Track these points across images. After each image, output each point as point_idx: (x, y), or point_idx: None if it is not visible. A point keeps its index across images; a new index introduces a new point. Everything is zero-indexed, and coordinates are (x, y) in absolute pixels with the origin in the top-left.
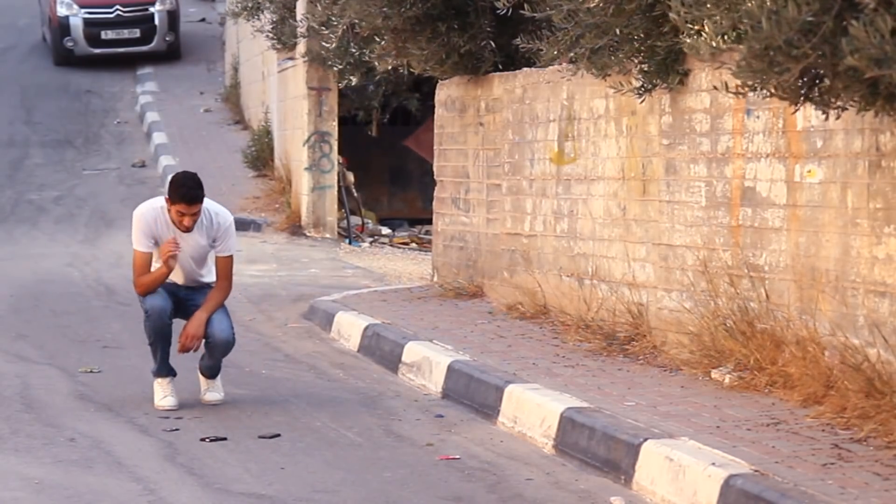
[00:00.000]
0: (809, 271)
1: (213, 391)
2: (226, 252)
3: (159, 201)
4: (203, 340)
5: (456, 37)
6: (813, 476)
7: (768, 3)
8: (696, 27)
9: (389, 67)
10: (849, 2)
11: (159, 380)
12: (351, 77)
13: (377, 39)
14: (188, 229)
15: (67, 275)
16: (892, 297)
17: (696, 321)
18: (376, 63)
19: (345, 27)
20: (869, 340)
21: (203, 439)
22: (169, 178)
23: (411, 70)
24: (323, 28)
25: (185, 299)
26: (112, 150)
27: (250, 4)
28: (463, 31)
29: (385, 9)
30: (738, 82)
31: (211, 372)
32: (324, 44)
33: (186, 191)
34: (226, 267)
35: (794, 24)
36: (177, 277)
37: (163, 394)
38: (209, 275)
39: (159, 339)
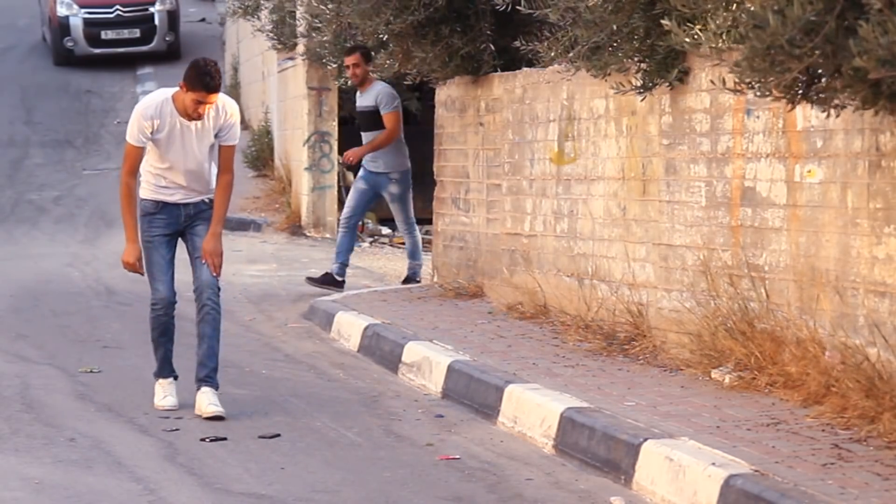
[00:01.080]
0: (809, 271)
1: (216, 404)
2: (231, 140)
3: (164, 93)
4: (193, 285)
5: (457, 39)
6: (813, 476)
7: (770, 3)
8: (698, 26)
9: (394, 73)
10: (851, 1)
11: (161, 380)
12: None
13: (385, 45)
14: (200, 117)
15: (67, 275)
16: (892, 297)
17: (697, 321)
18: (380, 73)
19: (340, 26)
20: (869, 340)
21: (203, 439)
22: (189, 63)
23: (425, 80)
24: (318, 22)
25: (186, 231)
26: (112, 150)
27: (248, 3)
28: (464, 33)
29: (388, 17)
30: (737, 79)
31: (208, 367)
32: (318, 38)
33: (209, 80)
34: (229, 158)
35: (797, 22)
36: (179, 178)
37: (163, 394)
38: (210, 175)
39: (163, 336)
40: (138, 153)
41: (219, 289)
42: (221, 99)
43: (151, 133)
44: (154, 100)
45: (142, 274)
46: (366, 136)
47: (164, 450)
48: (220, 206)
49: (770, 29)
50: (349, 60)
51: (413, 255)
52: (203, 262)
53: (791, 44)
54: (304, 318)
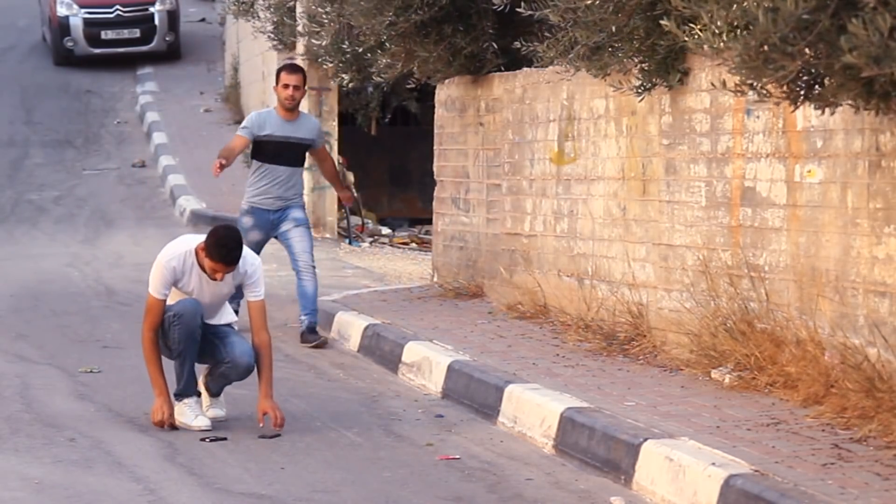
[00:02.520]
0: (809, 271)
1: (216, 407)
2: (258, 296)
3: (187, 245)
4: (223, 364)
5: (459, 38)
6: (813, 476)
7: (764, 1)
8: (699, 26)
9: (396, 74)
10: (845, 0)
11: (186, 400)
12: (344, 76)
13: (384, 46)
14: (219, 280)
15: (67, 275)
16: (892, 297)
17: (696, 321)
18: (381, 74)
19: (338, 25)
20: (869, 340)
21: (203, 439)
22: (210, 230)
23: (428, 80)
24: (315, 26)
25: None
26: (112, 150)
27: (245, 2)
28: (466, 32)
29: (391, 16)
30: (738, 80)
31: (217, 389)
32: (313, 41)
33: (227, 252)
34: (260, 316)
35: (790, 20)
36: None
37: (193, 414)
38: (224, 315)
39: (189, 345)
40: (161, 306)
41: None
42: (243, 251)
43: (174, 284)
44: (177, 251)
45: (169, 429)
46: (287, 171)
47: (164, 450)
48: (267, 369)
49: (761, 26)
50: (292, 80)
51: (315, 298)
52: (236, 339)
53: (784, 41)
54: None
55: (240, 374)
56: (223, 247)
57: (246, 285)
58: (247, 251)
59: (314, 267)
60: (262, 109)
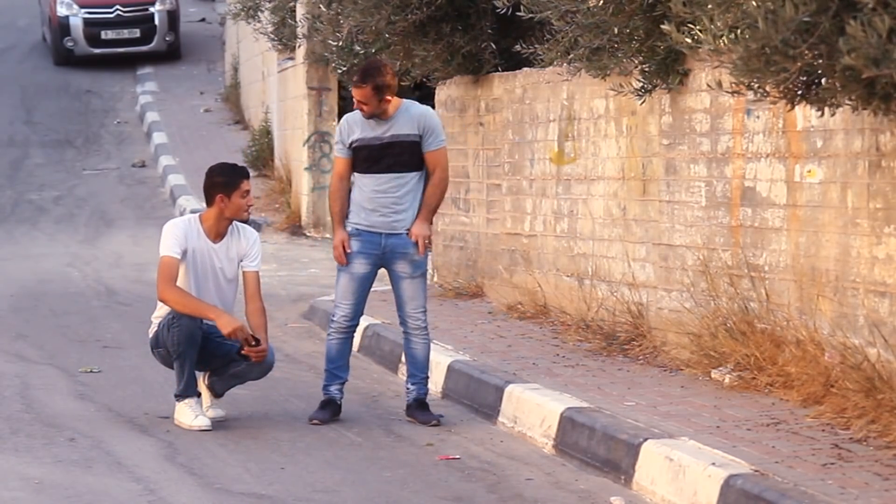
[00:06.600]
0: (809, 271)
1: (216, 407)
2: (254, 266)
3: (190, 216)
4: (243, 363)
5: (458, 38)
6: (813, 476)
7: (766, 3)
8: (698, 27)
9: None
10: (846, 2)
11: (187, 400)
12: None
13: (384, 43)
14: (249, 208)
15: (67, 275)
16: (892, 297)
17: (697, 321)
18: None
19: (348, 28)
20: (869, 340)
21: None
22: (208, 172)
23: (427, 80)
24: (319, 26)
25: (206, 345)
26: (112, 150)
27: (249, 4)
28: (465, 32)
29: (391, 15)
30: (734, 81)
31: (223, 390)
32: (330, 42)
33: (241, 168)
34: (256, 284)
35: (790, 24)
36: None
37: (193, 414)
38: (233, 308)
39: (189, 348)
40: (174, 265)
41: (273, 363)
42: (241, 226)
43: (182, 248)
44: (180, 219)
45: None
46: (389, 180)
47: (164, 450)
48: (262, 325)
49: (762, 31)
50: (358, 95)
51: (426, 364)
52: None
53: (785, 44)
54: (304, 318)
55: (262, 370)
56: (229, 168)
57: (247, 255)
58: (245, 226)
59: (426, 328)
60: (354, 111)
